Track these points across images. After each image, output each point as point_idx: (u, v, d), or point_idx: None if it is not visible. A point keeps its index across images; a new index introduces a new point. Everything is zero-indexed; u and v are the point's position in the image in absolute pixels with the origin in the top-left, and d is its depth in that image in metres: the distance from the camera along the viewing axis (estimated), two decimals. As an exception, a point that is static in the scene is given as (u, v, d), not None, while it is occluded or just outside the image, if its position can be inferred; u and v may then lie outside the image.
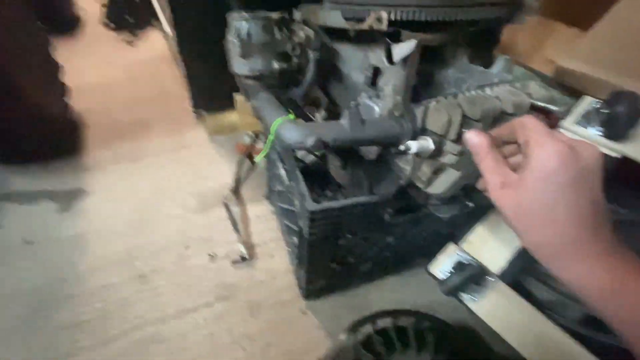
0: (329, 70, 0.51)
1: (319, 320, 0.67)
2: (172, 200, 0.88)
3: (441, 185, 0.40)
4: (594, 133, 0.65)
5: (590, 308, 0.26)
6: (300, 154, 0.63)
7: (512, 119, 0.30)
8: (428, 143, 0.36)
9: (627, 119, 0.57)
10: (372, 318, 0.57)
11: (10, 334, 0.62)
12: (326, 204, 0.48)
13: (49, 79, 0.99)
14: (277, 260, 0.76)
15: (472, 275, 0.59)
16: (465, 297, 0.65)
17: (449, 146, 0.37)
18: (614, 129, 0.59)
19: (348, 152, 0.55)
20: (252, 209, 0.87)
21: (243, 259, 0.75)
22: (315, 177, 0.63)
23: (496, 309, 0.64)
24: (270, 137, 0.41)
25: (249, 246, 0.78)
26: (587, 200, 0.25)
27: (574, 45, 0.71)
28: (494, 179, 0.29)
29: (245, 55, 0.43)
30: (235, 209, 0.87)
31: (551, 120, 0.37)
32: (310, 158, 0.67)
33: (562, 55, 0.71)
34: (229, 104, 1.07)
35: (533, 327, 0.60)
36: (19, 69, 0.82)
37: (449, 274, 0.61)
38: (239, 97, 0.98)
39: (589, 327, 0.59)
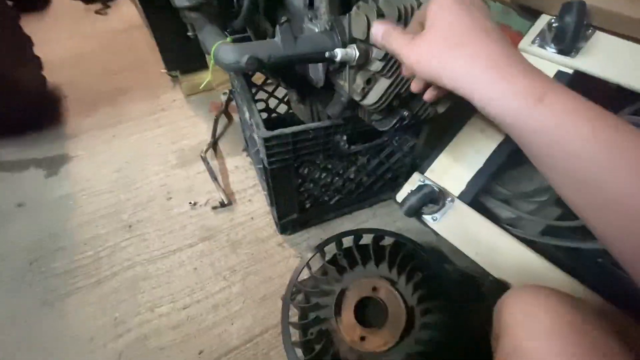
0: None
1: (295, 250, 0.72)
2: (153, 158, 0.91)
3: (375, 95, 0.42)
4: (549, 51, 0.67)
5: (510, 129, 0.26)
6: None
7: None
8: (352, 50, 0.38)
9: (575, 29, 0.58)
10: (337, 237, 0.61)
11: (11, 283, 0.67)
12: (278, 131, 0.51)
13: (20, 54, 0.99)
14: (255, 205, 0.81)
15: (427, 194, 0.63)
16: (427, 217, 0.69)
17: (375, 53, 0.39)
18: (564, 42, 0.61)
19: (301, 84, 0.57)
20: (231, 161, 0.91)
21: (222, 204, 0.79)
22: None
23: (455, 227, 0.69)
24: (211, 61, 0.43)
25: (229, 194, 0.82)
26: (490, 23, 0.27)
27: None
28: (403, 39, 0.31)
29: (181, -16, 0.44)
30: (214, 163, 0.90)
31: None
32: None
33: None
34: (202, 64, 1.08)
35: (490, 239, 0.65)
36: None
37: (408, 195, 0.65)
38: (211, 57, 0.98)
39: (547, 237, 0.63)
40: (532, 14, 0.78)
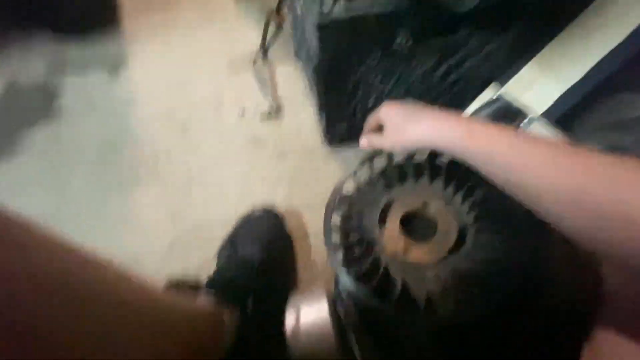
0: None
1: (341, 164, 0.70)
2: (205, 64, 0.90)
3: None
4: None
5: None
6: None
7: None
8: None
9: None
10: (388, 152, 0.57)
11: (85, 173, 0.75)
12: (334, 14, 0.44)
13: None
14: (303, 116, 0.77)
15: (501, 108, 0.54)
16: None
17: None
18: None
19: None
20: (281, 69, 0.86)
21: (270, 114, 0.77)
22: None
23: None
24: None
25: (278, 102, 0.79)
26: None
27: None
28: (377, 139, 0.51)
29: None
30: (265, 69, 0.86)
31: None
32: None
33: None
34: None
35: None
36: None
37: (476, 109, 0.56)
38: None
39: None
40: None
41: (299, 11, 0.60)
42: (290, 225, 0.63)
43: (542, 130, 0.58)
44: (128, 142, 0.79)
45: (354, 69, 0.54)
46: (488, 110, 0.57)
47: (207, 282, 0.49)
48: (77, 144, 0.80)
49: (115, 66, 0.93)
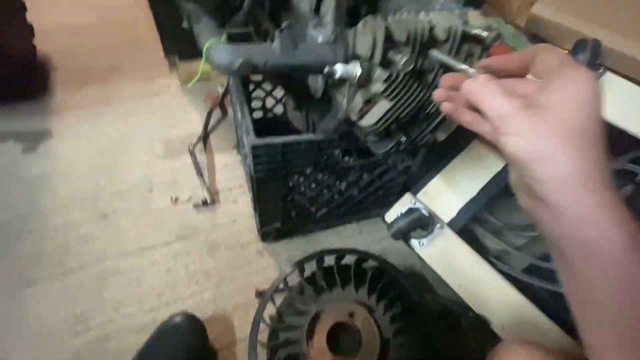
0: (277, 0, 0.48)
1: (274, 260, 0.69)
2: (139, 145, 0.87)
3: (373, 116, 0.39)
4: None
5: (585, 261, 0.23)
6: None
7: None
8: (354, 67, 0.35)
9: (587, 67, 0.56)
10: (318, 255, 0.59)
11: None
12: (268, 139, 0.48)
13: (13, 19, 0.94)
14: (239, 206, 0.77)
15: (417, 219, 0.61)
16: (414, 242, 0.67)
17: (378, 73, 0.36)
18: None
19: (299, 91, 0.54)
20: (220, 157, 0.87)
21: (205, 203, 0.76)
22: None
23: (441, 255, 0.66)
24: (203, 60, 0.40)
25: (213, 192, 0.79)
26: (604, 142, 0.23)
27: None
28: (511, 101, 0.23)
29: (177, -28, 0.41)
30: (203, 157, 0.87)
31: (489, 49, 0.35)
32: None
33: (538, 3, 0.68)
34: (202, 52, 1.04)
35: (475, 272, 0.63)
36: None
37: (397, 218, 0.63)
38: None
39: (532, 276, 0.61)
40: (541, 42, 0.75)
41: (239, 116, 0.64)
42: (216, 331, 0.59)
43: (450, 236, 0.66)
44: (34, 228, 0.69)
45: (287, 179, 0.58)
46: (407, 218, 0.64)
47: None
48: (-36, 228, 0.68)
49: (34, 139, 0.86)
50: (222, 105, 1.00)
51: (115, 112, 0.95)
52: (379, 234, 0.76)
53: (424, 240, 0.66)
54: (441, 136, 0.44)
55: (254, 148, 0.48)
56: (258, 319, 0.52)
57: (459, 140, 0.72)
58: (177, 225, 0.72)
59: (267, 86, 0.75)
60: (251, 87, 0.73)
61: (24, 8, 0.97)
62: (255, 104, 0.77)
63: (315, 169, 0.57)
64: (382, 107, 0.39)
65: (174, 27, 0.96)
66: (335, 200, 0.67)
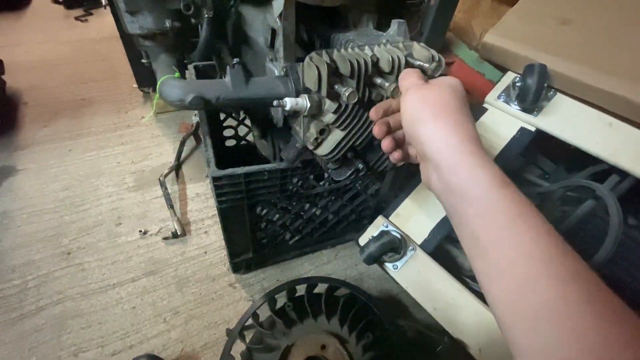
0: (238, 35, 0.50)
1: (247, 292, 0.67)
2: (108, 178, 0.85)
3: (328, 146, 0.40)
4: (513, 108, 0.67)
5: (461, 200, 0.26)
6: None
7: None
8: (303, 100, 0.36)
9: (536, 90, 0.59)
10: (288, 285, 0.57)
11: None
12: (230, 170, 0.48)
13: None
14: (211, 237, 0.76)
15: (388, 242, 0.60)
16: (388, 265, 0.66)
17: (328, 104, 0.36)
18: (526, 101, 0.61)
19: (263, 120, 0.54)
20: (192, 187, 0.86)
21: (175, 235, 0.74)
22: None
23: (415, 277, 0.66)
24: (156, 96, 0.40)
25: (184, 223, 0.77)
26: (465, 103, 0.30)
27: (500, 22, 0.72)
28: (416, 81, 0.32)
29: (132, 11, 0.41)
30: (175, 188, 0.85)
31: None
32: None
33: (490, 32, 0.72)
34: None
35: (449, 294, 0.62)
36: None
37: (368, 242, 0.62)
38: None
39: None
40: (497, 68, 0.79)
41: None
42: (183, 373, 0.56)
43: (423, 258, 0.66)
44: (-10, 270, 0.66)
45: (257, 207, 0.57)
46: (377, 242, 0.63)
47: None
48: None
49: (-4, 175, 0.83)
50: (195, 135, 1.00)
51: (86, 145, 0.94)
52: (355, 259, 0.76)
53: (397, 264, 0.65)
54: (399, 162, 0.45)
55: (215, 179, 0.48)
56: (225, 358, 0.49)
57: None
58: (145, 260, 0.70)
59: (241, 114, 0.76)
60: (222, 116, 0.73)
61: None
62: (229, 132, 0.77)
63: (282, 197, 0.57)
64: (336, 136, 0.39)
65: (147, 60, 0.98)
66: (308, 226, 0.66)
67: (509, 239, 0.23)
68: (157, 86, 0.39)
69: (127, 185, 0.84)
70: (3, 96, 1.02)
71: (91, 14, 1.60)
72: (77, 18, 1.55)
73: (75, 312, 0.61)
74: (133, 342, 0.58)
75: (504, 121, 0.71)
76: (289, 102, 0.35)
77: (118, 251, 0.71)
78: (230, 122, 0.75)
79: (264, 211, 0.59)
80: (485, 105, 0.74)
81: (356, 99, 0.33)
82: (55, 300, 0.62)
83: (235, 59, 0.37)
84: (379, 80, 0.35)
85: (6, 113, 1.00)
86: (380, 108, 0.34)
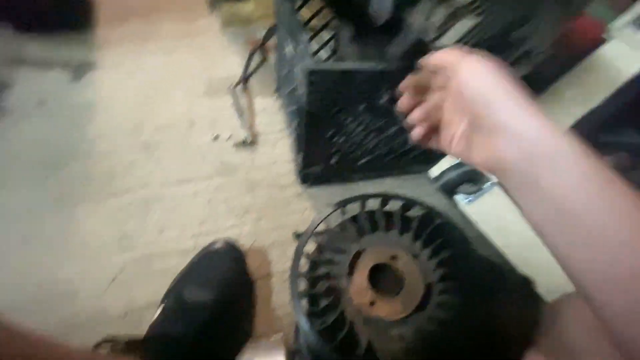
0: None
1: (313, 203, 0.69)
2: (180, 82, 0.87)
3: (454, 34, 0.35)
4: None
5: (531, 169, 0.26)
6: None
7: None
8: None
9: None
10: (362, 197, 0.57)
11: (23, 181, 0.66)
12: (327, 64, 0.45)
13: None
14: (278, 149, 0.76)
15: (468, 171, 0.57)
16: (460, 197, 0.64)
17: (469, -20, 0.32)
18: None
19: (357, 17, 0.50)
20: (260, 101, 0.86)
21: (245, 142, 0.75)
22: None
23: (489, 213, 0.64)
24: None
25: (253, 133, 0.78)
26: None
27: None
28: (461, 51, 0.31)
29: None
30: (243, 100, 0.85)
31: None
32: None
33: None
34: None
35: (524, 234, 0.60)
36: None
37: (447, 169, 0.60)
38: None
39: None
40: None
41: (287, 52, 0.61)
42: (254, 263, 0.60)
43: (500, 194, 0.62)
44: (81, 152, 0.71)
45: (337, 117, 0.56)
46: (458, 170, 0.61)
47: (146, 338, 0.43)
48: (17, 148, 0.71)
49: (79, 69, 0.86)
50: (263, 48, 0.96)
51: (156, 49, 0.94)
52: (419, 190, 0.74)
53: (471, 197, 0.63)
54: (523, 70, 0.40)
55: (310, 74, 0.46)
56: (301, 247, 0.51)
57: (535, 84, 0.67)
58: (217, 162, 0.73)
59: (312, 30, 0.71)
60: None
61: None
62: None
63: (366, 108, 0.54)
64: (465, 24, 0.35)
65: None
66: (380, 148, 0.64)
67: (602, 204, 0.22)
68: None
69: (198, 91, 0.85)
70: (81, -7, 1.02)
71: None
72: None
73: (158, 197, 0.66)
74: (210, 230, 0.63)
75: (627, 54, 0.61)
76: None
77: (192, 151, 0.74)
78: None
79: (344, 120, 0.57)
80: (605, 35, 0.64)
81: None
82: (140, 186, 0.68)
83: None
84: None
85: (84, 10, 1.01)
86: (411, 80, 0.35)
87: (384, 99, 0.51)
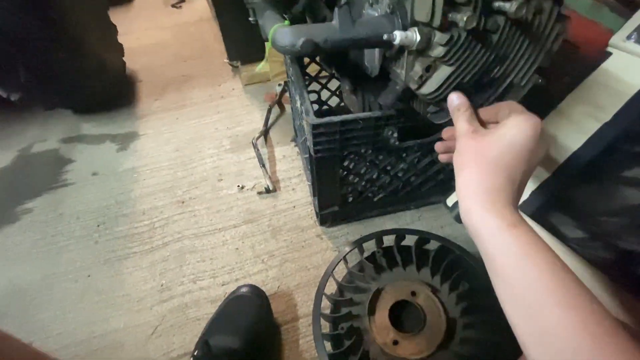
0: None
1: (333, 243, 0.71)
2: (209, 142, 0.97)
3: (433, 83, 0.39)
4: (643, 45, 0.57)
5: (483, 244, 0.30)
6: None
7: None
8: (413, 33, 0.35)
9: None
10: (377, 234, 0.59)
11: (79, 241, 0.76)
12: (327, 118, 0.50)
13: (108, 40, 1.11)
14: (298, 194, 0.81)
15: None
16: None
17: (438, 37, 0.36)
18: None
19: (355, 73, 0.55)
20: (279, 150, 0.93)
21: (267, 190, 0.81)
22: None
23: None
24: (268, 46, 0.44)
25: (274, 181, 0.84)
26: (523, 174, 0.31)
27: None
28: (467, 127, 0.35)
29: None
30: (264, 150, 0.93)
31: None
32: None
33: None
34: (261, 55, 1.12)
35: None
36: (83, 30, 0.95)
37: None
38: (268, 45, 1.01)
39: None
40: (629, 8, 0.68)
41: (298, 104, 0.68)
42: (280, 307, 0.62)
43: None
44: (126, 211, 0.81)
45: (346, 160, 0.60)
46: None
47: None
48: (76, 211, 0.82)
49: (125, 140, 1.00)
50: (279, 103, 1.06)
51: (189, 114, 1.07)
52: (439, 221, 0.74)
53: (490, 224, 0.62)
54: (514, 98, 0.42)
55: (315, 127, 0.51)
56: (321, 290, 0.54)
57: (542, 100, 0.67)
58: (243, 210, 0.78)
59: (322, 80, 0.79)
60: (307, 81, 0.77)
61: (116, 31, 1.15)
62: (311, 97, 0.81)
63: (372, 149, 0.58)
64: (442, 72, 0.38)
65: (237, 34, 1.06)
66: (393, 183, 0.67)
67: (518, 275, 0.27)
68: (270, 34, 0.43)
69: (224, 148, 0.94)
70: (124, 75, 1.21)
71: (184, 1, 1.77)
72: (173, 5, 1.73)
73: (192, 249, 0.72)
74: (238, 277, 0.67)
75: (634, 65, 0.61)
76: (399, 36, 0.35)
77: (221, 202, 0.81)
78: (314, 86, 0.79)
79: (353, 164, 0.61)
80: (609, 49, 0.65)
81: (474, 24, 0.32)
82: (176, 238, 0.75)
83: (341, 1, 0.38)
84: (497, 4, 0.33)
85: (127, 89, 1.18)
86: (449, 130, 0.41)
87: (386, 139, 0.55)
